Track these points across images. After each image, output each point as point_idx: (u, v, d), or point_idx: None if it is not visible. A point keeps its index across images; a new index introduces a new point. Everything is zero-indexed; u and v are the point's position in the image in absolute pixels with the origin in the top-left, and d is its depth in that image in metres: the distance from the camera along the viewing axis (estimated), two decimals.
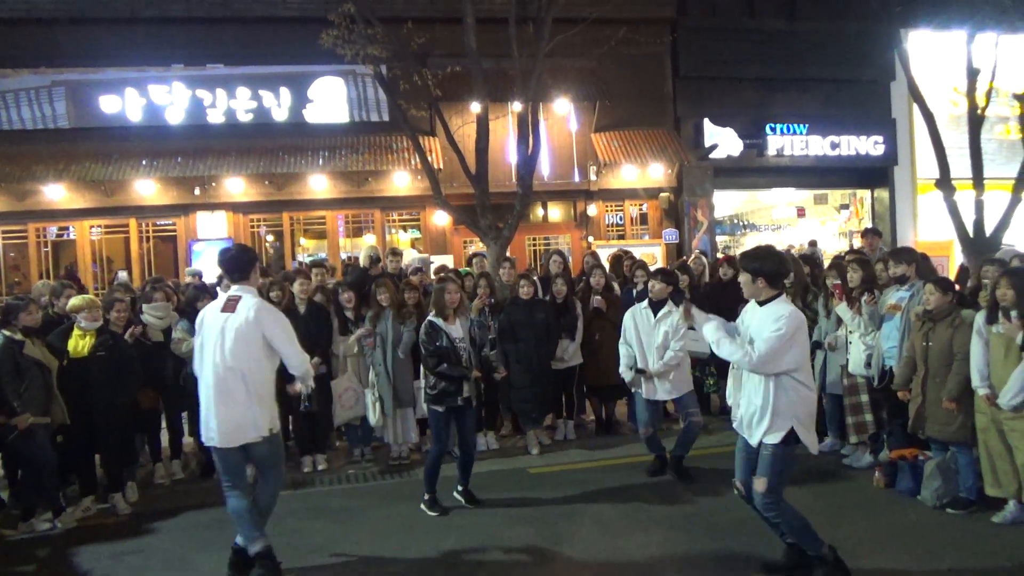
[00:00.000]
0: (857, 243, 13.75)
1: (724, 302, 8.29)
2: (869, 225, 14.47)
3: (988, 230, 11.21)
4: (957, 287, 6.25)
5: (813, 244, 13.35)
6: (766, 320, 4.17)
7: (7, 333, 5.72)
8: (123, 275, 11.95)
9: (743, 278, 4.32)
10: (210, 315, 4.61)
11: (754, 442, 4.26)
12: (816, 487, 6.08)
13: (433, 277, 8.79)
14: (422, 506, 5.85)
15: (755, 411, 4.23)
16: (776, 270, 4.26)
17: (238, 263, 4.68)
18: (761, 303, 4.27)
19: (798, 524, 4.29)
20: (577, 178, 14.20)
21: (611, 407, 8.14)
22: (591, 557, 4.93)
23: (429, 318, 5.87)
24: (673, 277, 6.68)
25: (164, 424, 7.24)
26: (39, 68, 12.64)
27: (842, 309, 6.44)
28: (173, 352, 6.81)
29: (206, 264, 11.94)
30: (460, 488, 6.00)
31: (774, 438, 4.16)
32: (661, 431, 6.80)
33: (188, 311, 7.06)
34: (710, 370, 8.09)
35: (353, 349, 7.16)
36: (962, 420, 5.40)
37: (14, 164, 12.27)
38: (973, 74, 11.47)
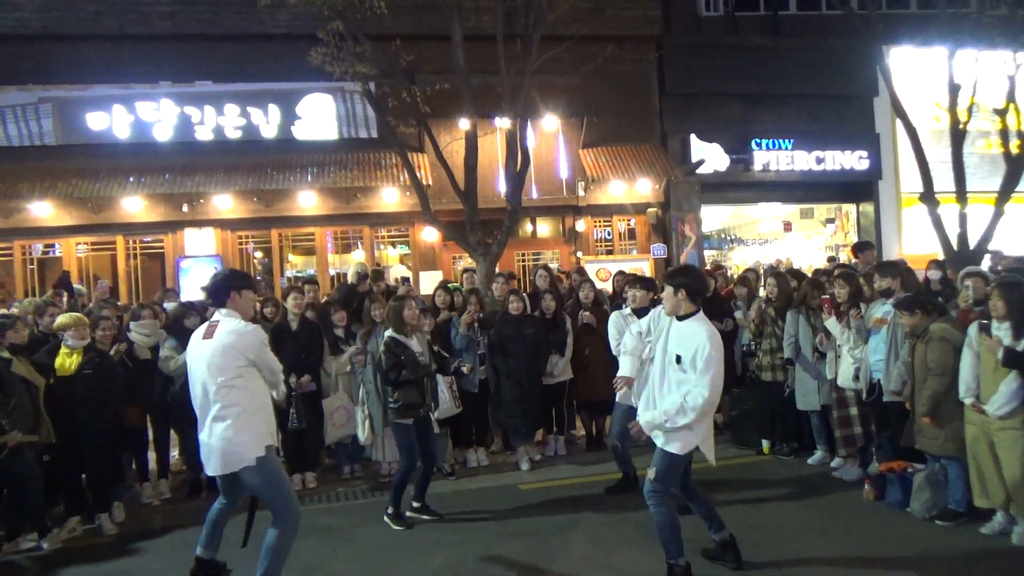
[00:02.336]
0: (843, 257, 13.86)
1: (710, 314, 8.36)
2: (855, 239, 14.58)
3: (972, 243, 11.34)
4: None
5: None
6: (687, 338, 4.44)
7: None
8: (103, 284, 11.85)
9: (665, 292, 4.59)
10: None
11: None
12: (805, 500, 6.11)
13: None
14: (386, 519, 5.90)
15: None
16: (697, 286, 4.54)
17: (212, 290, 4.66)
18: (680, 318, 4.53)
19: (667, 524, 4.57)
20: (565, 194, 14.27)
21: (601, 422, 8.14)
22: (583, 573, 4.92)
23: (389, 334, 5.90)
24: (652, 284, 6.61)
25: (151, 443, 7.18)
26: (26, 84, 12.58)
27: (831, 323, 6.50)
28: (161, 370, 6.77)
29: (194, 282, 11.89)
30: (416, 505, 6.03)
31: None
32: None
33: (176, 329, 7.03)
34: None
35: (345, 367, 7.15)
36: (947, 434, 5.44)
37: (0, 181, 12.20)
38: (955, 90, 11.64)
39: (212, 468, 4.46)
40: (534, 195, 13.83)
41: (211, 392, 4.33)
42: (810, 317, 6.94)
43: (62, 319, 6.15)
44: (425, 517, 5.99)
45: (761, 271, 10.85)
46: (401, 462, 5.98)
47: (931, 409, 5.42)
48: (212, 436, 4.35)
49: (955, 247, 11.33)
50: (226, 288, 4.56)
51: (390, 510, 5.92)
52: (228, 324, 4.42)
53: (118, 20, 12.67)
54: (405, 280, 9.45)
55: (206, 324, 4.59)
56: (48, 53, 12.56)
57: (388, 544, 5.57)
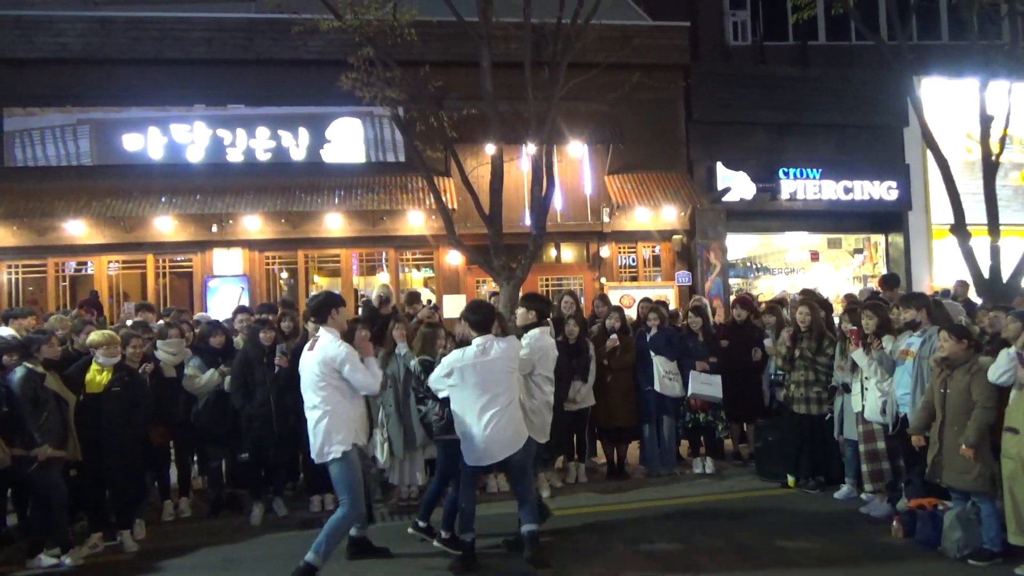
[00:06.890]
0: (872, 287, 13.65)
1: (737, 343, 8.28)
2: (884, 270, 14.39)
3: (1004, 276, 11.14)
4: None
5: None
6: None
7: (29, 365, 5.77)
8: (129, 307, 12.02)
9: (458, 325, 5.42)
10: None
11: None
12: (833, 536, 5.98)
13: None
14: (438, 544, 5.71)
15: None
16: (478, 319, 5.47)
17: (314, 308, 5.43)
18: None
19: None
20: (590, 219, 14.27)
21: (623, 450, 8.05)
22: None
23: (423, 357, 6.25)
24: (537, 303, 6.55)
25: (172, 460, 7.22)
26: (65, 106, 12.93)
27: (858, 355, 6.39)
28: (185, 388, 6.84)
29: (221, 301, 12.02)
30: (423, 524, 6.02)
31: None
32: (673, 475, 6.64)
33: (201, 347, 7.10)
34: (720, 414, 8.00)
35: None
36: (980, 469, 5.32)
37: (37, 200, 12.48)
38: (987, 121, 11.51)
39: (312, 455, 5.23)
40: (559, 220, 13.84)
41: (309, 395, 5.17)
42: (844, 348, 6.83)
43: (94, 336, 6.23)
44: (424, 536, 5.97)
45: (789, 300, 10.72)
46: (436, 478, 6.07)
47: (979, 441, 5.30)
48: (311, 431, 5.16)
49: (987, 280, 11.13)
50: (328, 307, 5.30)
51: (444, 535, 5.72)
52: (324, 340, 5.17)
53: (155, 45, 13.00)
54: (433, 306, 9.42)
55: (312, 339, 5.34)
56: (87, 76, 12.90)
57: (407, 569, 5.53)
